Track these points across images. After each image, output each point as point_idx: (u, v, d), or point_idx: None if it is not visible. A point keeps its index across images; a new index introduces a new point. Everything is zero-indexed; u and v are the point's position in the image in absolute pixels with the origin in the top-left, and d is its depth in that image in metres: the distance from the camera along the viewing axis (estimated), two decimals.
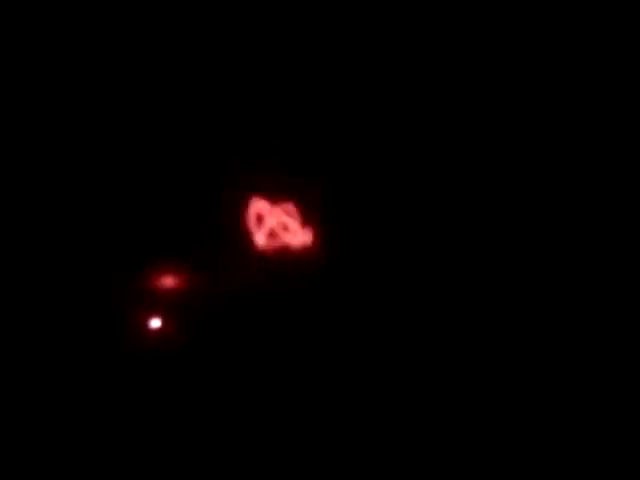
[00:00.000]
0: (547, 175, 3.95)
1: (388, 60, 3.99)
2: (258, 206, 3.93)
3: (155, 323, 3.87)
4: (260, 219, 3.92)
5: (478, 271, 3.91)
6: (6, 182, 3.90)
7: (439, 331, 3.87)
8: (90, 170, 3.93)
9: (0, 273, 3.85)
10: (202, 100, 3.97)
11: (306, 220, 3.94)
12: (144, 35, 3.95)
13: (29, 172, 3.91)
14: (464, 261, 3.92)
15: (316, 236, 3.94)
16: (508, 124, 3.97)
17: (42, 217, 3.90)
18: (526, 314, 3.87)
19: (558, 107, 3.96)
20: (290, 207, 3.93)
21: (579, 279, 3.88)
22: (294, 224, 3.94)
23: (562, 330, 3.86)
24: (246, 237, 3.93)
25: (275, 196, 3.93)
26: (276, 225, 3.93)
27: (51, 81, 3.95)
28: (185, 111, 3.97)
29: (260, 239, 3.93)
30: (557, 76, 3.96)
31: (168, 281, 3.89)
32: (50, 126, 3.93)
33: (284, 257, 3.92)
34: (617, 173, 3.92)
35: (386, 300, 3.90)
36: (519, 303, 3.88)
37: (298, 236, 3.93)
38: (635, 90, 3.93)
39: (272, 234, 3.93)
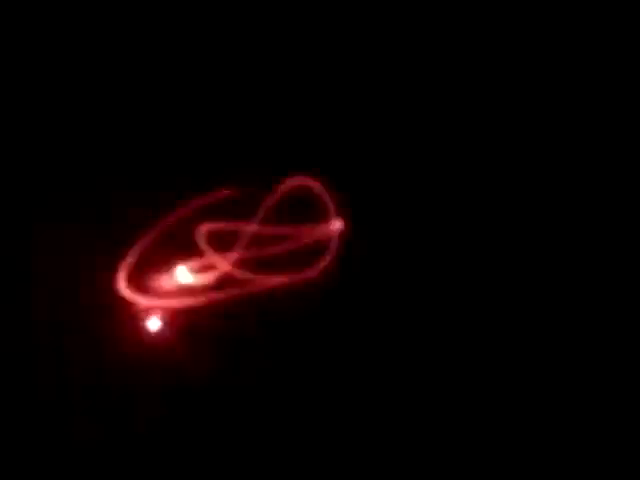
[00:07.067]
0: (547, 175, 3.96)
1: (388, 61, 4.00)
2: (259, 211, 3.94)
3: (153, 324, 3.86)
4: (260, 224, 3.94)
5: (479, 278, 3.93)
6: (6, 182, 3.91)
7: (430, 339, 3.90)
8: (90, 172, 3.93)
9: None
10: (198, 109, 3.98)
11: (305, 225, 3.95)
12: (133, 36, 3.97)
13: (29, 172, 3.91)
14: (464, 265, 3.94)
15: (312, 242, 3.95)
16: (508, 124, 3.98)
17: (42, 219, 3.90)
18: (530, 315, 3.89)
19: (558, 107, 3.97)
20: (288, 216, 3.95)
21: (578, 279, 3.90)
22: (295, 231, 3.95)
23: (562, 330, 3.87)
24: (246, 239, 3.93)
25: (272, 201, 3.94)
26: (276, 232, 3.94)
27: (51, 81, 3.96)
28: (183, 120, 3.97)
29: (261, 242, 3.94)
30: (557, 76, 3.98)
31: (167, 282, 3.89)
32: (47, 126, 3.94)
33: (282, 261, 3.93)
34: (617, 173, 3.94)
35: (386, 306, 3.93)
36: (524, 304, 3.90)
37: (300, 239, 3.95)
38: (635, 90, 3.94)
39: (273, 239, 3.94)
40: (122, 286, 3.83)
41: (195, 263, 3.89)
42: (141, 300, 3.84)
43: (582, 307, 3.87)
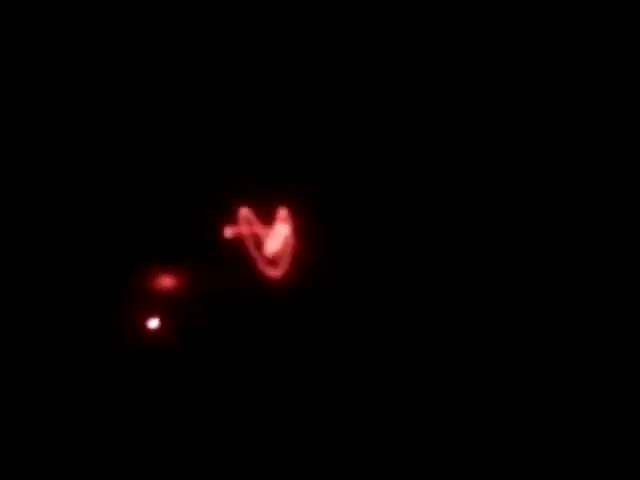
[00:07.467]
0: (547, 175, 3.95)
1: (387, 61, 4.00)
2: (256, 211, 3.95)
3: (153, 323, 3.88)
4: (257, 224, 3.94)
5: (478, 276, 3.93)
6: (6, 183, 3.92)
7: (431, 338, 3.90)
8: (90, 173, 3.95)
9: (0, 273, 3.88)
10: (197, 107, 3.99)
11: (299, 226, 3.96)
12: (137, 37, 3.99)
13: (29, 173, 3.93)
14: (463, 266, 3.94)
15: (309, 241, 3.96)
16: (508, 124, 3.98)
17: (42, 218, 3.92)
18: (526, 314, 3.88)
19: (558, 107, 3.97)
20: (285, 214, 3.95)
21: (578, 279, 3.89)
22: (290, 229, 3.96)
23: (562, 330, 3.86)
24: (245, 239, 3.94)
25: (269, 201, 3.95)
26: (271, 230, 3.94)
27: (51, 81, 3.98)
28: (182, 118, 3.99)
29: (259, 242, 3.95)
30: (557, 76, 3.97)
31: (166, 282, 3.90)
32: (50, 127, 3.96)
33: (279, 261, 3.94)
34: (617, 173, 3.93)
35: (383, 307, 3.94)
36: (519, 303, 3.89)
37: (291, 240, 3.95)
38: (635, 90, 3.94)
39: (269, 238, 3.95)
40: None
41: None
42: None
43: (577, 305, 3.88)
